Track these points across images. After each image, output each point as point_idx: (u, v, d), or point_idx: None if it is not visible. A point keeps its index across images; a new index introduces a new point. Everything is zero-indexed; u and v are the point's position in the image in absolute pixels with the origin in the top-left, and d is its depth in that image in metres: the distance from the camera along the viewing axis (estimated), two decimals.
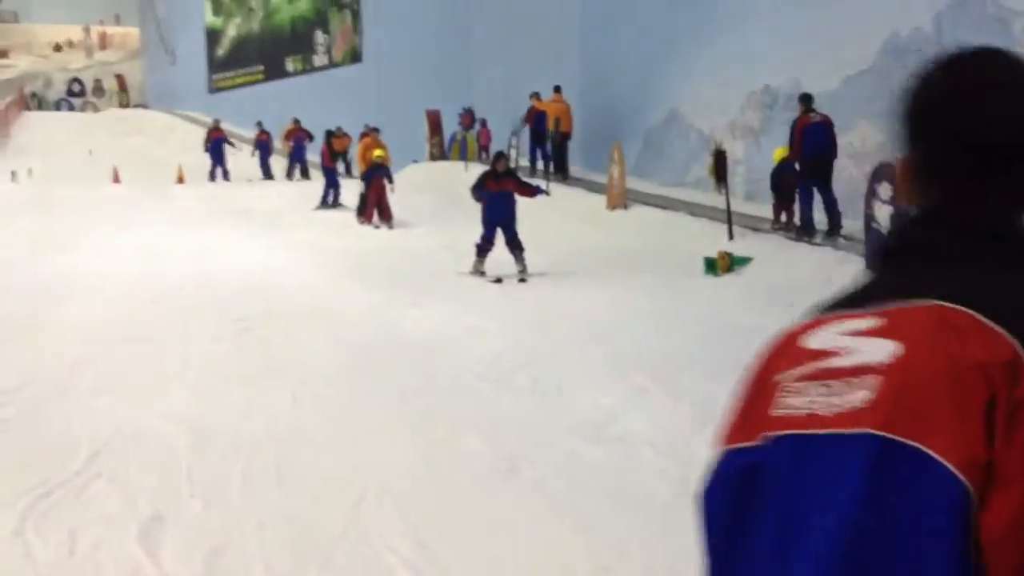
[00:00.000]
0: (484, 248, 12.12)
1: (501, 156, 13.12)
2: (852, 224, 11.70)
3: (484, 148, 22.37)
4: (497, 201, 12.16)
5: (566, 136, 19.69)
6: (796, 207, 13.01)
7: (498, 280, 11.71)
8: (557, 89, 19.80)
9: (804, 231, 12.74)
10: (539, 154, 20.09)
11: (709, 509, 1.13)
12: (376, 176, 16.76)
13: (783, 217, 13.46)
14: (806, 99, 12.79)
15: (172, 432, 6.09)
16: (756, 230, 13.45)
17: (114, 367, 7.78)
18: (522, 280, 11.77)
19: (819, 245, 12.05)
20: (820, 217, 12.63)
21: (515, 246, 12.04)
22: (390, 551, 4.46)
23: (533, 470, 5.50)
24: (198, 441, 5.92)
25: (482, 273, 12.01)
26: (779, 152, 13.41)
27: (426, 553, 4.45)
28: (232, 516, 4.85)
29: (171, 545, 4.50)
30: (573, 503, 5.04)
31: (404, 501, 5.04)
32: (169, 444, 5.89)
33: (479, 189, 12.37)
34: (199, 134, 28.16)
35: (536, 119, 19.90)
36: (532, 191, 12.62)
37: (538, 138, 20.06)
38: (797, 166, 12.78)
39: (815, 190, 12.64)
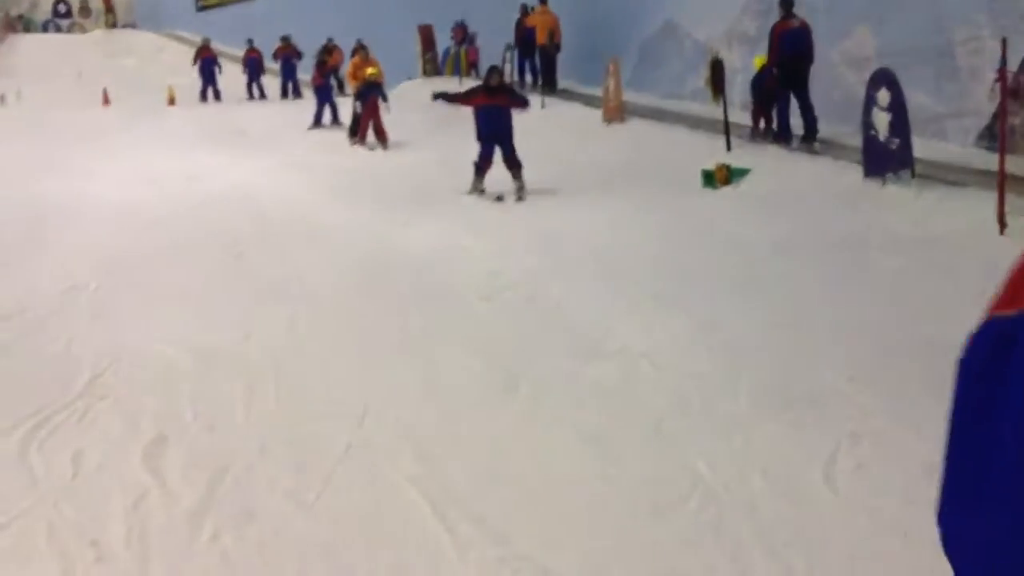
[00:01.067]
0: (482, 166, 11.97)
1: (495, 70, 12.87)
2: (849, 132, 11.61)
3: (473, 65, 22.13)
4: (490, 115, 11.97)
5: (558, 48, 19.53)
6: (775, 113, 13.08)
7: (499, 198, 11.59)
8: (543, 1, 19.57)
9: (781, 136, 12.84)
10: (527, 67, 20.15)
11: (965, 367, 1.35)
12: (371, 96, 16.28)
13: (762, 124, 13.46)
14: (786, 3, 12.72)
15: (173, 354, 6.11)
16: (809, 153, 13.25)
17: (111, 291, 7.77)
18: (520, 199, 11.66)
19: (816, 154, 11.96)
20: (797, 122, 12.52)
21: (512, 164, 11.90)
22: (392, 467, 4.52)
23: (531, 386, 5.53)
24: (199, 363, 5.95)
25: (481, 191, 11.88)
26: (759, 59, 13.38)
27: (428, 467, 4.50)
28: (235, 436, 4.89)
29: (175, 466, 4.55)
30: (571, 417, 5.08)
31: (405, 418, 5.08)
32: (170, 366, 5.92)
33: (461, 99, 12.41)
34: (188, 54, 27.72)
35: (525, 33, 19.79)
36: (522, 102, 12.46)
37: (526, 52, 20.10)
38: (775, 71, 12.76)
39: (792, 95, 12.70)
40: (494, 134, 11.94)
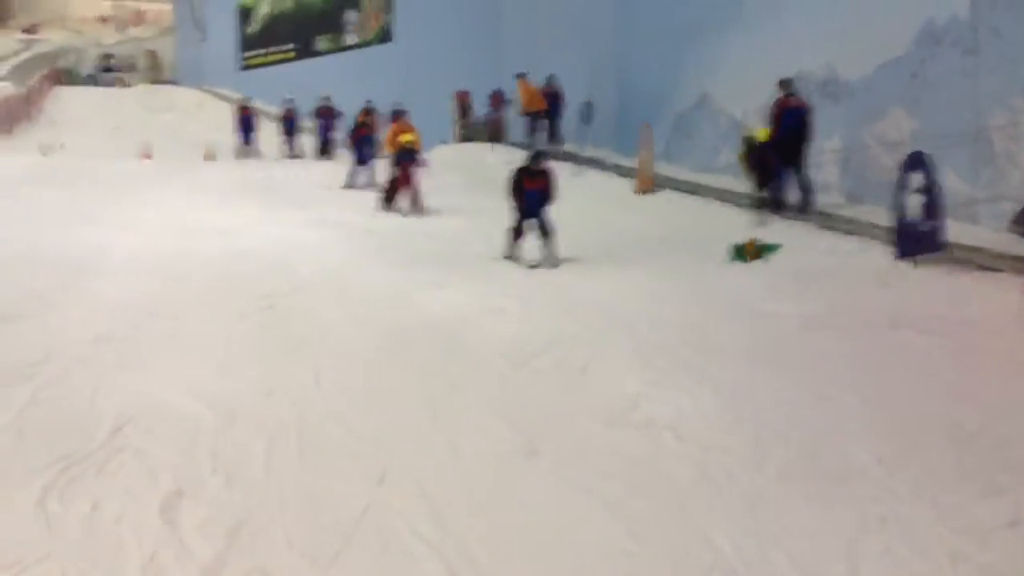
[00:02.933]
0: (517, 232, 12.01)
1: (540, 155, 12.81)
2: (880, 212, 11.58)
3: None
4: (532, 196, 12.03)
5: (538, 114, 20.94)
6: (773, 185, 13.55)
7: (535, 266, 11.57)
8: (520, 75, 21.26)
9: (776, 207, 13.32)
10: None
11: None
12: (405, 162, 16.23)
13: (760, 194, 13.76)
14: (786, 83, 13.42)
15: (196, 408, 6.11)
16: (786, 218, 13.32)
17: (139, 342, 7.80)
18: (553, 266, 11.63)
19: (849, 234, 11.92)
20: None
21: (546, 232, 11.93)
22: (410, 530, 4.47)
23: (554, 452, 5.49)
24: (221, 417, 5.94)
25: (517, 258, 11.87)
26: (763, 132, 13.69)
27: (446, 532, 4.45)
28: (254, 492, 4.87)
29: (193, 520, 4.52)
30: (593, 486, 5.02)
31: (425, 480, 5.04)
32: (192, 420, 5.91)
33: (516, 191, 12.14)
34: (228, 110, 28.19)
35: (551, 100, 20.95)
36: (554, 196, 12.20)
37: (550, 118, 21.15)
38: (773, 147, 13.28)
39: (789, 169, 13.27)
40: (532, 210, 12.03)
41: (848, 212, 13.09)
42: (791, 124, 13.23)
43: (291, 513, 4.61)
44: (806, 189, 13.24)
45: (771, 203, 13.40)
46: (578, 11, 21.79)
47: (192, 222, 14.47)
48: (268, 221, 14.87)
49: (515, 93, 21.89)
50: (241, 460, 5.27)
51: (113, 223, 14.21)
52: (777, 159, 13.35)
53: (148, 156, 24.54)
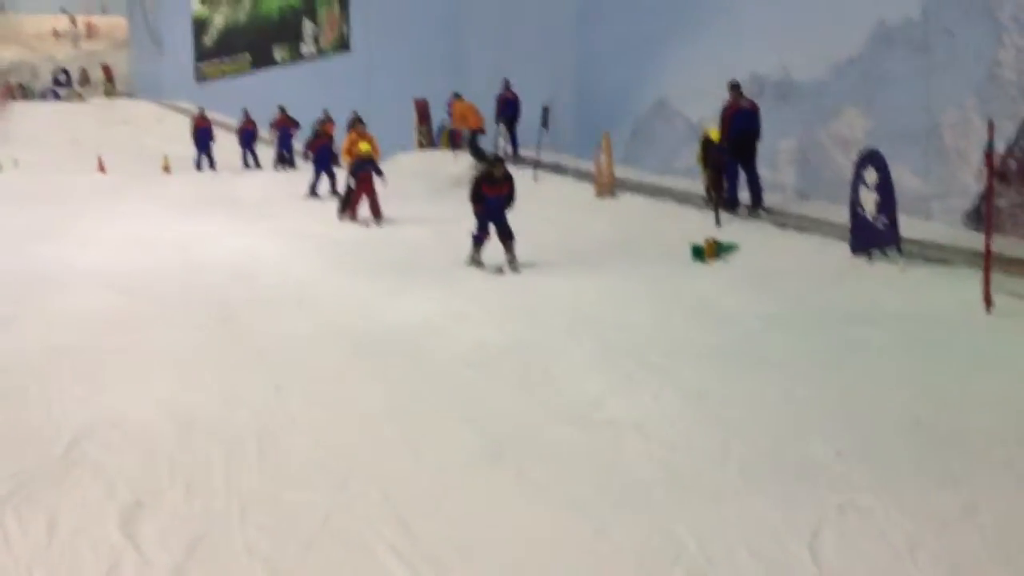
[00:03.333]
0: (480, 238, 11.97)
1: (499, 161, 12.70)
2: (836, 209, 11.71)
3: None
4: (492, 203, 11.98)
5: (473, 132, 21.38)
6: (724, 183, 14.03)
7: (500, 270, 11.54)
8: (456, 95, 22.27)
9: (729, 205, 13.80)
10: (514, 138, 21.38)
11: None
12: (363, 172, 16.05)
13: (713, 193, 14.20)
14: (735, 86, 13.91)
15: (154, 420, 6.05)
16: (744, 218, 13.45)
17: (97, 355, 7.72)
18: (515, 270, 11.62)
19: (805, 232, 12.04)
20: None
21: (506, 236, 11.90)
22: (374, 535, 4.45)
23: (518, 455, 5.48)
24: (180, 429, 5.88)
25: (480, 264, 11.85)
26: (714, 132, 14.21)
27: (411, 537, 4.43)
28: (214, 503, 4.82)
29: (152, 532, 4.47)
30: (558, 487, 5.02)
31: (389, 486, 5.01)
32: (151, 431, 5.85)
33: (476, 197, 12.08)
34: (185, 123, 28.01)
35: (506, 105, 21.15)
36: (512, 200, 12.17)
37: (507, 123, 21.29)
38: (724, 146, 13.80)
39: (740, 169, 13.79)
40: (492, 215, 11.98)
41: (800, 209, 13.28)
42: (741, 125, 13.66)
43: (251, 522, 4.56)
44: (756, 188, 13.66)
45: (724, 202, 13.74)
46: (537, 17, 21.85)
47: (151, 235, 14.37)
48: (227, 232, 14.79)
49: (449, 111, 22.34)
50: (200, 470, 5.22)
51: (71, 238, 14.09)
52: (729, 159, 13.75)
53: (102, 169, 24.31)
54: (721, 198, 13.82)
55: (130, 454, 5.47)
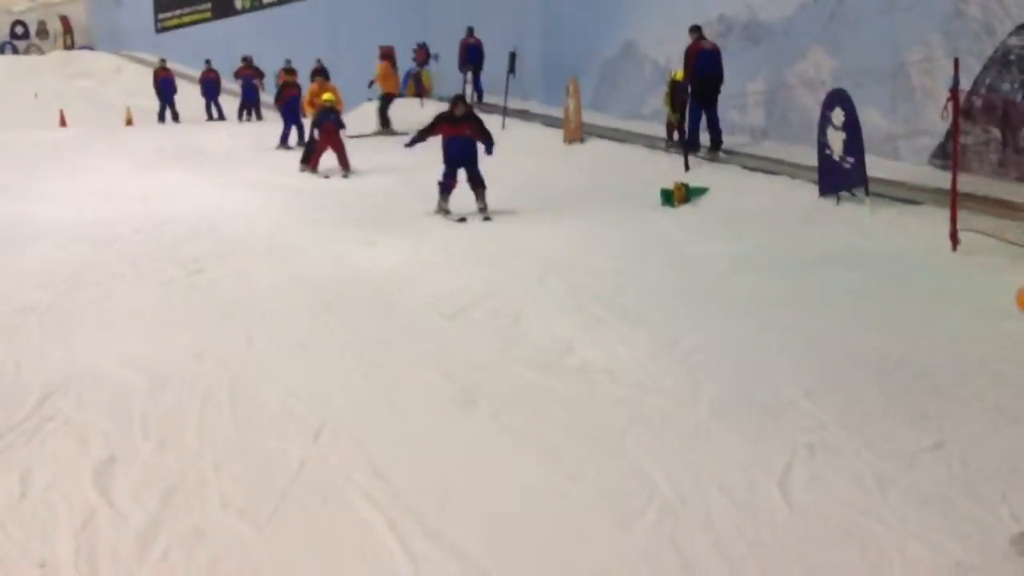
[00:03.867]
0: (446, 186, 11.80)
1: (459, 99, 12.54)
2: (805, 151, 11.72)
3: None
4: (455, 144, 11.79)
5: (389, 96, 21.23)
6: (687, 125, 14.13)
7: (462, 219, 11.43)
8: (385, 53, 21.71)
9: (690, 146, 13.73)
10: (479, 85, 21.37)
11: None
12: (327, 122, 15.68)
13: (675, 136, 14.61)
14: (696, 29, 13.86)
15: (125, 375, 6.02)
16: (711, 160, 13.45)
17: (64, 311, 7.66)
18: (486, 219, 11.50)
19: (774, 174, 12.05)
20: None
21: (477, 184, 11.76)
22: (348, 483, 4.47)
23: (490, 401, 5.51)
24: (152, 383, 5.86)
25: (447, 212, 11.71)
26: (678, 73, 14.31)
27: (384, 484, 4.45)
28: (187, 455, 4.82)
29: (125, 486, 4.47)
30: (530, 432, 5.06)
31: (362, 434, 5.03)
32: (123, 386, 5.82)
33: (425, 132, 11.99)
34: (147, 75, 27.54)
35: (469, 50, 21.10)
36: (488, 140, 12.03)
37: (471, 69, 21.22)
38: (688, 88, 13.84)
39: (703, 110, 13.76)
40: (459, 159, 11.79)
41: (768, 151, 13.32)
42: (704, 67, 13.65)
43: (226, 473, 4.57)
44: (716, 130, 13.79)
45: (687, 144, 13.78)
46: None
47: (115, 189, 14.19)
48: (194, 185, 14.63)
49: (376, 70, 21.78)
50: (173, 424, 5.21)
51: (34, 193, 13.90)
52: (692, 101, 13.79)
53: (64, 124, 23.94)
54: (683, 140, 13.96)
55: (102, 409, 5.45)
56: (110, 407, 5.49)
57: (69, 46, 46.00)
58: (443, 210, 11.77)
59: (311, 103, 16.37)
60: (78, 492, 4.40)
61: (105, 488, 4.43)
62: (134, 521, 4.12)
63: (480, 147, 11.99)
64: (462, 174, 11.84)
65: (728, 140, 13.92)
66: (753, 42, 14.50)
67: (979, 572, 3.60)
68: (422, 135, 12.10)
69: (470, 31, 21.18)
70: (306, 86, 19.11)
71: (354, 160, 15.71)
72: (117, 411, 5.41)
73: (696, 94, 13.70)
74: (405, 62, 23.79)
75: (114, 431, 5.13)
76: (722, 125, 13.85)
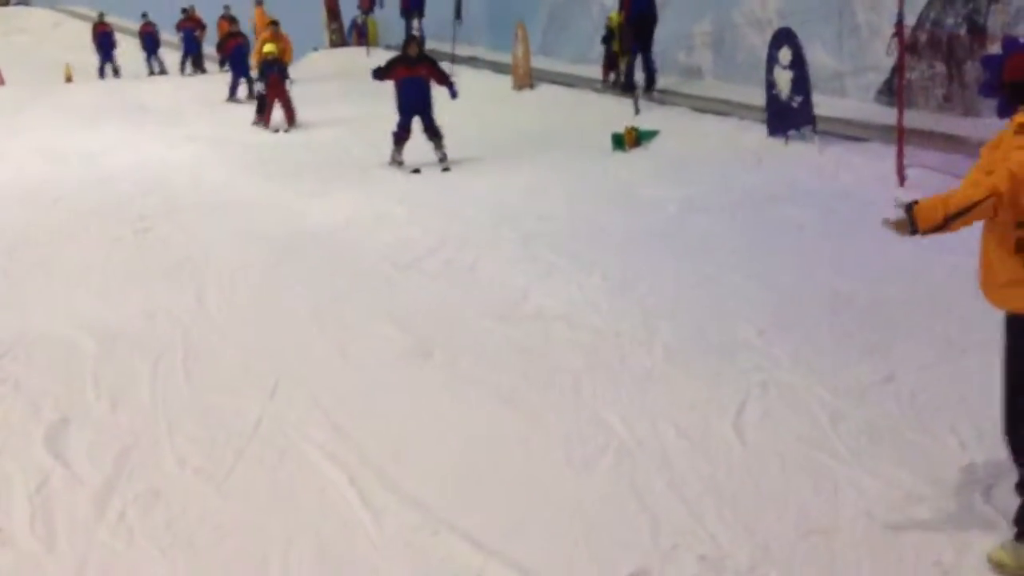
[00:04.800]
0: (400, 136, 11.57)
1: (412, 39, 12.30)
2: (753, 91, 11.74)
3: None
4: (410, 87, 11.51)
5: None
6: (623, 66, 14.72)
7: (416, 171, 11.26)
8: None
9: (627, 87, 14.24)
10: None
11: None
12: (271, 74, 15.32)
13: (611, 76, 15.17)
14: None
15: (75, 335, 5.94)
16: (661, 103, 13.43)
17: (11, 273, 7.54)
18: (445, 169, 11.28)
19: (723, 115, 12.07)
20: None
21: (433, 133, 11.53)
22: (305, 439, 4.45)
23: (446, 351, 5.50)
24: (103, 343, 5.79)
25: (400, 163, 11.52)
26: (614, 16, 14.83)
27: (342, 438, 4.45)
28: (141, 415, 4.78)
29: (79, 447, 4.43)
30: (487, 380, 5.07)
31: (318, 389, 5.01)
32: (73, 347, 5.75)
33: (383, 71, 11.71)
34: (85, 30, 26.89)
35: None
36: (448, 82, 11.83)
37: (412, 15, 21.07)
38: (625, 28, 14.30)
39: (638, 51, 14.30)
40: (414, 105, 11.54)
41: (710, 92, 13.38)
42: (641, 8, 14.03)
43: (180, 433, 4.54)
44: (651, 70, 14.14)
45: (622, 84, 14.45)
46: None
47: (58, 147, 13.90)
48: (139, 141, 14.37)
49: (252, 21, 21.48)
50: (126, 384, 5.16)
51: None
52: (630, 40, 14.20)
53: (0, 81, 23.36)
54: (625, 80, 14.48)
55: (53, 371, 5.39)
56: (61, 369, 5.43)
57: (4, 2, 44.74)
58: (397, 161, 11.60)
59: (258, 53, 15.99)
60: (31, 455, 4.36)
61: (59, 450, 4.38)
62: (89, 483, 4.09)
63: (435, 92, 11.72)
64: (416, 124, 11.60)
65: (676, 81, 13.93)
66: None
67: (929, 501, 3.67)
68: (378, 74, 11.80)
69: None
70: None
71: (303, 113, 15.49)
72: (68, 372, 5.35)
73: (631, 37, 14.12)
74: (350, 9, 23.49)
75: (65, 393, 5.07)
76: (670, 66, 13.85)
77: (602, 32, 15.55)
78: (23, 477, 4.15)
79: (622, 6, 14.15)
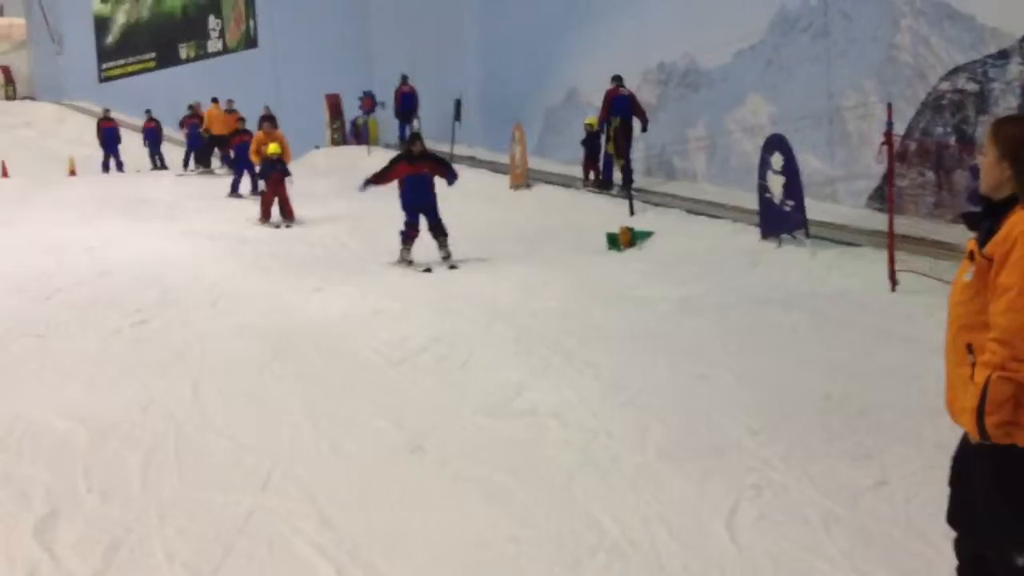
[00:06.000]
0: (408, 235, 11.53)
1: (416, 138, 12.39)
2: (746, 195, 11.93)
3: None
4: (415, 185, 11.54)
5: (221, 138, 22.50)
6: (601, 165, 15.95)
7: (428, 270, 11.19)
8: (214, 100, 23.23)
9: (605, 184, 15.59)
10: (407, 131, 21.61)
11: None
12: (273, 173, 15.67)
13: (591, 175, 16.11)
14: (616, 78, 15.35)
15: (67, 427, 5.93)
16: (657, 205, 13.63)
17: (8, 364, 7.55)
18: (451, 267, 11.26)
19: (717, 218, 12.24)
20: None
21: (439, 232, 11.52)
22: (296, 533, 4.42)
23: (439, 447, 5.50)
24: (95, 435, 5.77)
25: (409, 262, 11.41)
26: (591, 120, 15.97)
27: (333, 533, 4.42)
28: (132, 508, 4.74)
29: (69, 540, 4.39)
30: (479, 477, 5.05)
31: (309, 483, 4.99)
32: (64, 440, 5.73)
33: (384, 172, 11.73)
34: (89, 124, 27.35)
35: (404, 98, 21.97)
36: (450, 175, 11.98)
37: (405, 116, 22.08)
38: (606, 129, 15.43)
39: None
40: (419, 203, 11.54)
41: (704, 195, 13.62)
42: (620, 110, 15.13)
43: (170, 526, 4.50)
44: (628, 169, 14.85)
45: (601, 182, 15.51)
46: (446, 10, 21.82)
47: (59, 239, 14.03)
48: (137, 234, 14.51)
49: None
50: (117, 476, 5.13)
51: None
52: (623, 144, 15.06)
53: (5, 174, 23.65)
54: (599, 180, 15.65)
55: (43, 462, 5.36)
56: (52, 460, 5.40)
57: (11, 96, 45.53)
58: (406, 260, 11.47)
59: (257, 152, 16.29)
60: (20, 547, 4.31)
61: (48, 543, 4.34)
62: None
63: (440, 186, 11.81)
64: (423, 223, 11.59)
65: (670, 185, 14.18)
66: (693, 89, 14.81)
67: None
68: (378, 177, 11.84)
69: (404, 79, 21.51)
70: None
71: (301, 210, 15.69)
72: (59, 464, 5.33)
73: (609, 137, 15.18)
74: (352, 110, 23.94)
75: (56, 484, 5.04)
76: (665, 169, 14.13)
77: (581, 136, 16.43)
78: (10, 569, 4.11)
79: (604, 107, 15.25)
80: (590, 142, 16.10)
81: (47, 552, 4.26)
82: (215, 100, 23.25)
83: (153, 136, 24.85)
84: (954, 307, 3.07)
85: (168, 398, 6.52)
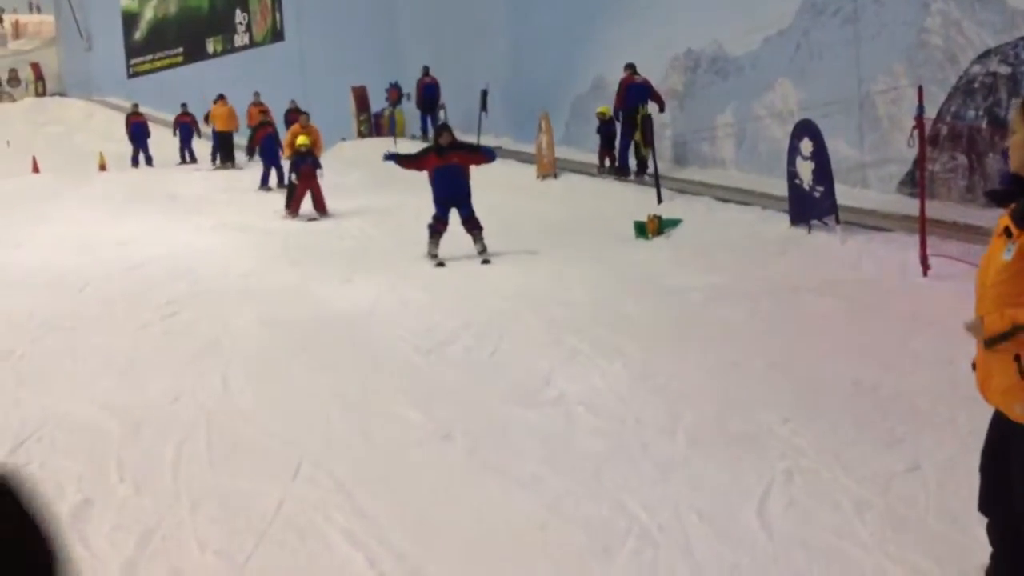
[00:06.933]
0: (436, 228, 11.22)
1: (444, 128, 12.06)
2: (775, 182, 11.84)
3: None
4: (444, 176, 11.24)
5: (225, 134, 23.45)
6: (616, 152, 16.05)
7: (441, 264, 10.95)
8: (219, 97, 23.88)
9: (621, 171, 15.69)
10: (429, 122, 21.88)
11: None
12: (304, 165, 15.68)
13: (607, 162, 16.31)
14: (630, 66, 15.45)
15: (100, 419, 5.98)
16: (683, 192, 13.56)
17: (40, 357, 7.61)
18: (485, 262, 10.92)
19: (746, 205, 12.16)
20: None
21: (472, 225, 11.21)
22: (327, 521, 4.44)
23: (468, 436, 5.50)
24: (127, 426, 5.82)
25: (435, 256, 11.12)
26: (604, 109, 16.12)
27: (363, 521, 4.44)
28: (164, 498, 4.78)
29: (101, 530, 4.43)
30: (508, 465, 5.06)
31: (340, 472, 5.01)
32: (98, 431, 5.79)
33: (414, 163, 11.50)
34: (119, 120, 27.56)
35: (425, 89, 22.01)
36: (483, 156, 11.66)
37: (426, 109, 22.10)
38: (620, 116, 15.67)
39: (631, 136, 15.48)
40: (450, 196, 11.25)
41: (733, 182, 13.53)
42: (635, 97, 15.20)
43: (202, 515, 4.54)
44: (641, 156, 15.24)
45: (617, 169, 15.63)
46: (474, 1, 21.78)
47: (89, 234, 14.14)
48: (168, 229, 14.60)
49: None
50: (149, 466, 5.18)
51: (7, 240, 13.81)
52: (623, 128, 15.38)
53: (36, 170, 23.86)
54: (614, 167, 15.71)
55: (77, 454, 5.41)
56: (85, 451, 5.45)
57: (41, 93, 45.94)
58: (432, 255, 11.20)
59: (290, 145, 16.34)
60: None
61: (81, 532, 4.39)
62: (111, 565, 4.08)
63: (472, 182, 11.59)
64: (454, 216, 11.34)
65: (698, 172, 14.09)
66: (721, 76, 14.70)
67: None
68: (404, 159, 11.63)
69: (426, 70, 21.54)
70: (280, 126, 19.17)
71: (331, 202, 15.74)
72: (92, 455, 5.37)
73: (626, 122, 15.26)
74: (379, 101, 23.97)
75: (89, 475, 5.09)
76: (693, 157, 14.06)
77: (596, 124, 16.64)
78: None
79: (619, 95, 15.34)
80: (604, 130, 16.32)
81: (81, 541, 4.30)
82: (221, 97, 23.60)
83: (187, 131, 25.00)
84: (992, 286, 3.04)
85: (199, 389, 6.57)
